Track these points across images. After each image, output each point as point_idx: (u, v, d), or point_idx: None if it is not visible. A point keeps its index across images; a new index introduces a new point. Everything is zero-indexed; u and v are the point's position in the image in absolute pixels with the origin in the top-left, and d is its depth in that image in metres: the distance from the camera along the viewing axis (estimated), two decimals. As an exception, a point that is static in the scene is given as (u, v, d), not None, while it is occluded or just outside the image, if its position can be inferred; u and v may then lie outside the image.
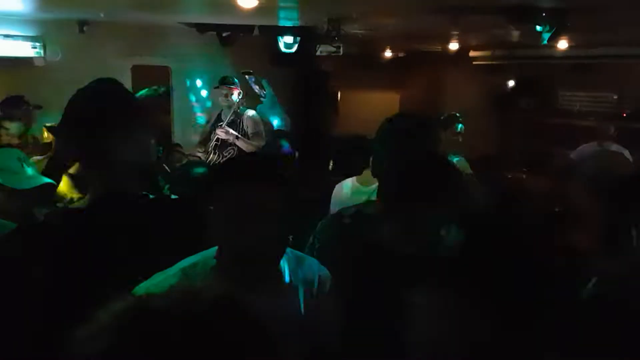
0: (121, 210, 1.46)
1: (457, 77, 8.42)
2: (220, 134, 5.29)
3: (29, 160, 2.33)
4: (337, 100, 8.66)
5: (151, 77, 6.66)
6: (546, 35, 4.28)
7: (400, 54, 8.50)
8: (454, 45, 7.11)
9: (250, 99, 6.17)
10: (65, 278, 1.32)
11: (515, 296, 1.01)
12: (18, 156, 2.25)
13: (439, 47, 7.53)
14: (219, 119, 5.53)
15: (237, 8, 4.14)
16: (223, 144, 5.34)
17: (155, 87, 6.74)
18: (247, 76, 6.07)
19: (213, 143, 5.35)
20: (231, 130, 5.30)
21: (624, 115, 6.80)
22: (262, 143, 5.41)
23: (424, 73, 8.67)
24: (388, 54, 8.26)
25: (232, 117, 5.38)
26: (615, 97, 7.22)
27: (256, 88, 6.04)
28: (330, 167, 3.96)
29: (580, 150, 5.39)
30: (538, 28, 4.16)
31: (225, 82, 5.43)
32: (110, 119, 1.49)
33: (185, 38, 6.59)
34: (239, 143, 5.28)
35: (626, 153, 5.26)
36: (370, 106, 8.74)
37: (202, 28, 6.15)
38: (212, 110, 6.11)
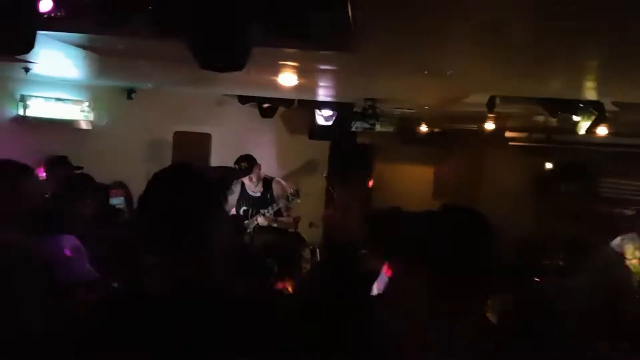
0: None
1: (492, 156, 8.39)
2: (261, 222, 5.21)
3: None
4: (372, 173, 8.70)
5: (192, 143, 6.85)
6: (584, 125, 4.26)
7: (435, 131, 8.58)
8: (489, 125, 7.14)
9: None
10: None
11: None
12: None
13: (474, 126, 7.58)
14: (244, 193, 5.40)
15: (278, 86, 4.30)
16: (262, 228, 5.26)
17: None
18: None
19: (254, 225, 5.24)
20: (271, 216, 5.24)
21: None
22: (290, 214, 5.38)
23: (458, 150, 8.68)
24: (423, 129, 8.34)
25: (261, 192, 5.35)
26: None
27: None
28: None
29: (620, 241, 5.22)
30: (576, 118, 4.15)
31: (249, 169, 5.23)
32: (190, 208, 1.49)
33: (227, 108, 6.82)
34: (277, 224, 5.23)
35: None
36: (405, 181, 8.75)
37: (243, 99, 6.38)
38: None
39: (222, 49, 1.74)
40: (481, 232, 1.58)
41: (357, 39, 2.29)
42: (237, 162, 5.28)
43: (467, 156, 8.76)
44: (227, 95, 6.34)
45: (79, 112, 5.90)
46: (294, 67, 3.57)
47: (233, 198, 5.37)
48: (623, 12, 1.83)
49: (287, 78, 4.00)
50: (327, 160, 7.77)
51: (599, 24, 2.03)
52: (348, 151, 7.49)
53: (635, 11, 1.81)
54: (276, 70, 3.70)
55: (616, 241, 5.22)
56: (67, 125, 5.82)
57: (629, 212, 6.34)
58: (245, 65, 1.85)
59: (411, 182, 8.83)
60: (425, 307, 1.47)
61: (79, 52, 3.28)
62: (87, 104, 5.93)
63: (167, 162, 6.04)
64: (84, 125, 5.93)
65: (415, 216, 2.22)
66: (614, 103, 4.02)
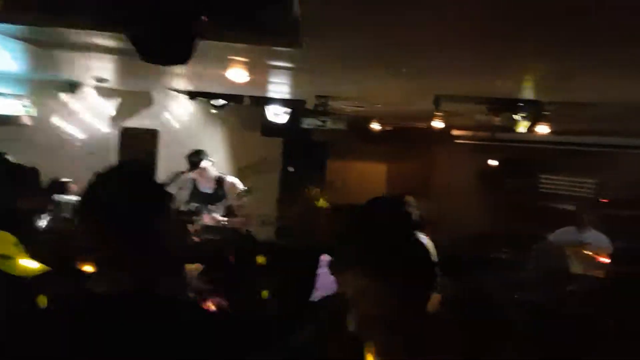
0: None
1: (440, 154, 8.61)
2: (208, 221, 5.07)
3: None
4: (324, 170, 8.76)
5: (139, 139, 6.69)
6: (524, 124, 4.43)
7: (386, 129, 8.71)
8: (436, 124, 7.30)
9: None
10: None
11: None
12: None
13: (424, 124, 7.73)
14: (196, 190, 5.28)
15: (229, 81, 4.26)
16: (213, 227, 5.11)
17: None
18: None
19: (203, 225, 5.05)
20: (219, 217, 5.13)
21: (603, 201, 6.94)
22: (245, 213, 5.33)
23: (409, 147, 8.86)
24: (375, 127, 8.44)
25: (213, 189, 5.29)
26: (595, 183, 7.42)
27: None
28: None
29: (558, 234, 5.45)
30: (516, 117, 4.31)
31: (198, 163, 5.13)
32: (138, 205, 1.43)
33: (175, 103, 6.71)
34: (229, 225, 5.13)
35: (603, 239, 5.33)
36: (357, 178, 8.85)
37: (192, 95, 6.29)
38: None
39: (165, 41, 1.72)
40: (399, 222, 1.59)
41: (306, 35, 2.31)
42: (189, 156, 5.21)
43: (417, 153, 8.94)
44: (176, 90, 6.23)
45: (20, 107, 5.69)
46: (243, 62, 3.55)
47: (184, 195, 5.27)
48: (566, 14, 1.92)
49: (237, 73, 3.96)
50: (281, 157, 7.77)
51: (541, 24, 2.12)
52: (301, 148, 7.52)
53: (576, 14, 1.90)
54: (226, 65, 3.67)
55: (554, 234, 5.46)
56: (7, 121, 5.59)
57: (568, 206, 6.63)
58: (189, 59, 1.83)
59: (364, 179, 8.94)
60: (359, 302, 1.43)
61: (18, 45, 3.16)
62: (28, 98, 5.72)
63: (113, 158, 5.91)
64: (25, 121, 5.71)
65: (344, 211, 2.25)
66: (551, 102, 4.20)
